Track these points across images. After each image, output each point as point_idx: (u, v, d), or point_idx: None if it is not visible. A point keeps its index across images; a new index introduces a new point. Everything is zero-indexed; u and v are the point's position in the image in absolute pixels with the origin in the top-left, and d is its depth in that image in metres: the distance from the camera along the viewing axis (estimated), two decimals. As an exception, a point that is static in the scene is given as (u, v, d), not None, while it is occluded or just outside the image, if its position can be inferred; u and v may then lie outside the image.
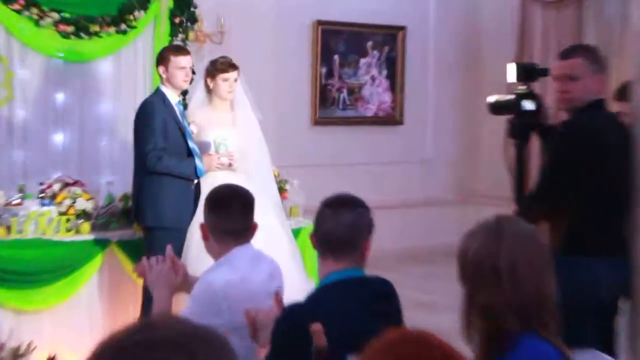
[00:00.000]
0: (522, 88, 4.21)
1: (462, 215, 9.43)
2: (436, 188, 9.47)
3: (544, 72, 4.24)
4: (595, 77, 3.82)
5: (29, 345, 4.95)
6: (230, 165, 5.36)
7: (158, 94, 5.29)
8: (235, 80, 5.48)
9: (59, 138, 6.92)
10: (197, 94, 5.58)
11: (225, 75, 5.42)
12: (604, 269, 3.61)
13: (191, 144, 5.25)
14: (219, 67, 5.44)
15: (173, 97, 5.28)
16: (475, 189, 9.68)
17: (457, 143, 9.67)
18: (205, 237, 3.25)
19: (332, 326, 2.34)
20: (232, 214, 3.18)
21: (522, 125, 4.14)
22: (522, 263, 2.19)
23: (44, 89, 6.85)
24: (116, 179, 6.24)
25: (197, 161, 5.20)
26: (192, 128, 5.37)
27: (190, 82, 5.54)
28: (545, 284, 2.21)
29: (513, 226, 2.31)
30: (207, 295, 3.08)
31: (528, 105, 4.11)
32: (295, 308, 2.61)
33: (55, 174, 6.64)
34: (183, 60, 5.26)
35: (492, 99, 4.38)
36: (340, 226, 2.64)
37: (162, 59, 5.29)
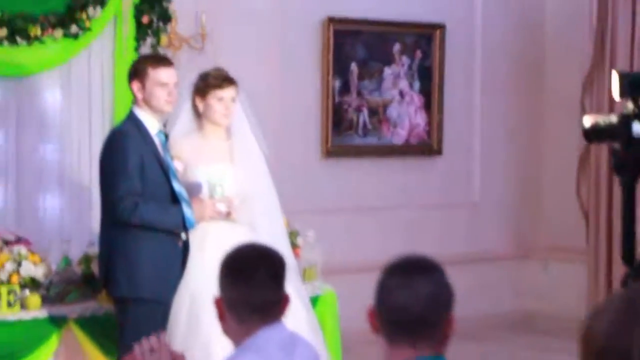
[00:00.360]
0: (630, 107, 4.21)
1: (523, 273, 9.48)
2: (487, 239, 9.49)
3: None
4: None
5: None
6: (228, 214, 5.34)
7: (132, 119, 5.30)
8: (233, 99, 5.50)
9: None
10: (182, 119, 5.57)
11: (220, 93, 5.44)
12: None
13: (177, 186, 5.25)
14: (211, 82, 5.45)
15: (152, 124, 5.29)
16: (538, 240, 9.73)
17: (512, 180, 9.70)
18: (221, 316, 3.23)
19: None
20: (258, 284, 3.17)
21: (631, 156, 4.13)
22: None
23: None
24: (70, 234, 6.23)
25: (186, 208, 5.18)
26: (177, 165, 5.37)
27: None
28: None
29: None
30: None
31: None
32: None
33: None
34: (165, 74, 5.26)
35: (588, 121, 4.39)
36: (416, 300, 2.61)
37: (137, 72, 5.30)
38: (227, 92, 5.44)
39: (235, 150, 5.54)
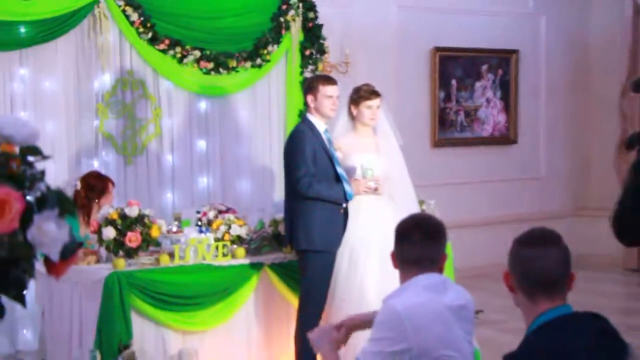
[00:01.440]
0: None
1: (577, 227, 9.11)
2: (550, 203, 9.26)
3: None
4: None
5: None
6: (376, 189, 5.12)
7: (306, 122, 5.10)
8: (378, 107, 5.24)
9: (203, 178, 6.88)
10: (341, 121, 5.34)
11: (369, 102, 5.18)
12: None
13: (339, 170, 5.05)
14: (362, 94, 5.20)
15: (320, 125, 5.08)
16: (589, 203, 9.39)
17: (569, 159, 9.43)
18: (395, 266, 3.03)
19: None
20: (412, 244, 2.95)
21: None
22: None
23: (187, 127, 6.81)
24: (261, 205, 6.11)
25: (346, 186, 4.99)
26: (338, 154, 5.16)
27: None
28: None
29: None
30: (390, 319, 2.84)
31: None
32: (522, 355, 2.30)
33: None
34: (331, 90, 5.05)
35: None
36: (552, 264, 2.39)
37: (311, 88, 5.09)
38: (374, 102, 5.18)
39: (380, 143, 5.29)
